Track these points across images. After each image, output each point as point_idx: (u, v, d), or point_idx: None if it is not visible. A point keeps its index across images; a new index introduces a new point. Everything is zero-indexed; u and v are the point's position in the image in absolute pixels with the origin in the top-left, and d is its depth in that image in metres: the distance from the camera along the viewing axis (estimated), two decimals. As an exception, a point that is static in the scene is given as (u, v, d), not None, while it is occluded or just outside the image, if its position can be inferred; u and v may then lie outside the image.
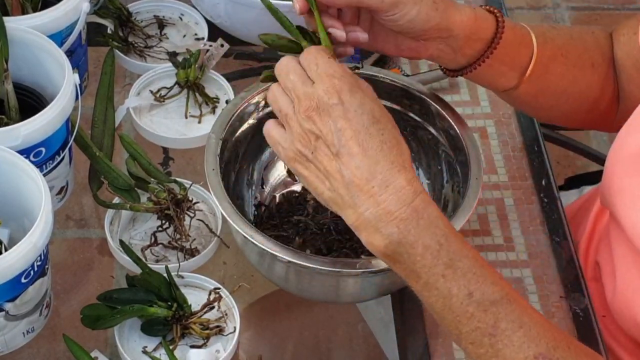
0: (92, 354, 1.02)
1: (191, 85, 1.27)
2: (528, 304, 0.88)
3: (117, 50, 1.30)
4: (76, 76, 1.11)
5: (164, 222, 1.12)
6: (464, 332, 0.86)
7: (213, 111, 1.27)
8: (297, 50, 0.95)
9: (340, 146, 0.86)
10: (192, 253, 1.12)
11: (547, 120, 1.24)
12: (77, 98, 1.11)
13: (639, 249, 1.01)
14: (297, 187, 1.14)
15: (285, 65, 0.91)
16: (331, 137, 0.87)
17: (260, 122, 1.10)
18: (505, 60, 1.04)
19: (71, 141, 1.14)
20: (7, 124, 1.07)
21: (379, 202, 0.85)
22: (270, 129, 0.93)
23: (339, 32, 0.95)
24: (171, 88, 1.28)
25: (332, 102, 0.87)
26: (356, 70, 0.99)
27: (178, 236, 1.12)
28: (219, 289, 1.07)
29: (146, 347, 1.04)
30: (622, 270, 1.07)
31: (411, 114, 1.10)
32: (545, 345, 0.85)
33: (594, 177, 1.43)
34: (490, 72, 1.05)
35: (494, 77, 1.06)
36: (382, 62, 1.30)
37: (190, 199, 1.13)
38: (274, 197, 1.14)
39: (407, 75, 1.08)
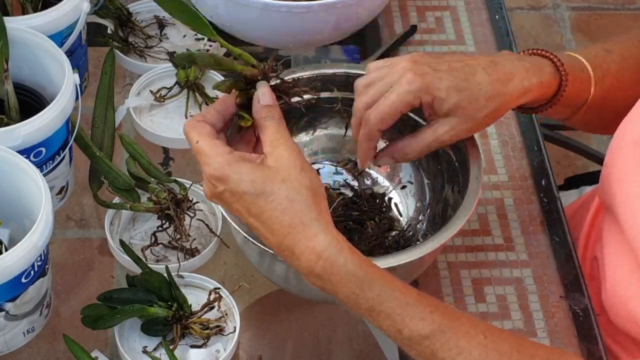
0: (92, 354, 1.02)
1: (191, 85, 1.27)
2: (471, 325, 0.88)
3: (117, 51, 1.30)
4: (76, 76, 1.11)
5: (164, 222, 1.12)
6: (412, 355, 0.89)
7: (213, 111, 1.26)
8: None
9: (246, 221, 0.89)
10: (192, 253, 1.12)
11: (595, 133, 1.23)
12: (77, 98, 1.11)
13: (631, 240, 1.01)
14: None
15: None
16: (238, 214, 0.89)
17: (260, 122, 1.10)
18: (562, 105, 1.06)
19: (71, 141, 1.14)
20: (7, 124, 1.07)
21: (294, 264, 0.88)
22: None
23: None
24: (171, 88, 1.28)
25: (218, 190, 0.88)
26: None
27: (178, 236, 1.12)
28: (219, 289, 1.07)
29: (146, 347, 1.04)
30: (613, 265, 1.08)
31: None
32: None
33: (594, 178, 1.43)
34: (542, 113, 1.07)
35: (546, 114, 1.08)
36: (382, 62, 1.30)
37: (191, 198, 1.13)
38: (274, 197, 1.13)
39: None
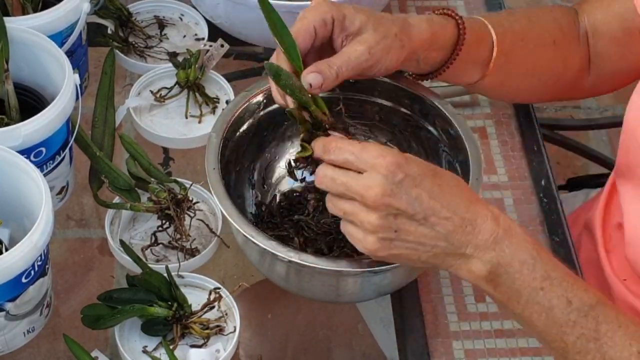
0: (93, 354, 1.02)
1: (191, 85, 1.27)
2: (616, 305, 0.91)
3: (117, 51, 1.30)
4: (76, 76, 1.11)
5: (164, 222, 1.12)
6: (570, 343, 0.89)
7: (213, 111, 1.27)
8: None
9: (423, 211, 0.89)
10: (192, 253, 1.12)
11: (515, 101, 1.26)
12: (77, 98, 1.12)
13: None
14: (297, 187, 1.14)
15: (324, 176, 0.92)
16: (412, 209, 0.89)
17: (261, 122, 1.10)
18: (468, 59, 1.08)
19: (71, 141, 1.14)
20: (7, 124, 1.07)
21: (476, 237, 0.89)
22: (348, 231, 0.93)
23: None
24: (171, 88, 1.28)
25: (398, 178, 0.89)
26: None
27: (178, 236, 1.12)
28: (219, 288, 1.07)
29: (146, 346, 1.04)
30: (633, 218, 1.09)
31: (411, 114, 1.11)
32: None
33: (597, 180, 1.44)
34: (454, 72, 1.08)
35: (458, 75, 1.10)
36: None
37: (191, 198, 1.13)
38: (275, 196, 1.14)
39: (410, 76, 1.09)
